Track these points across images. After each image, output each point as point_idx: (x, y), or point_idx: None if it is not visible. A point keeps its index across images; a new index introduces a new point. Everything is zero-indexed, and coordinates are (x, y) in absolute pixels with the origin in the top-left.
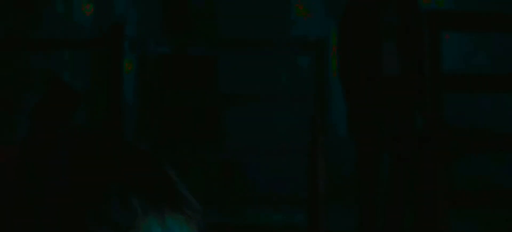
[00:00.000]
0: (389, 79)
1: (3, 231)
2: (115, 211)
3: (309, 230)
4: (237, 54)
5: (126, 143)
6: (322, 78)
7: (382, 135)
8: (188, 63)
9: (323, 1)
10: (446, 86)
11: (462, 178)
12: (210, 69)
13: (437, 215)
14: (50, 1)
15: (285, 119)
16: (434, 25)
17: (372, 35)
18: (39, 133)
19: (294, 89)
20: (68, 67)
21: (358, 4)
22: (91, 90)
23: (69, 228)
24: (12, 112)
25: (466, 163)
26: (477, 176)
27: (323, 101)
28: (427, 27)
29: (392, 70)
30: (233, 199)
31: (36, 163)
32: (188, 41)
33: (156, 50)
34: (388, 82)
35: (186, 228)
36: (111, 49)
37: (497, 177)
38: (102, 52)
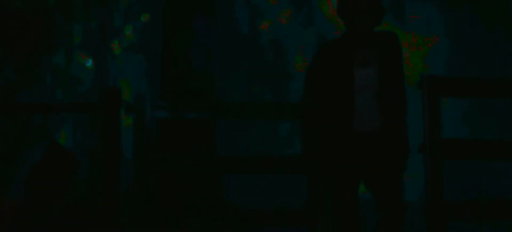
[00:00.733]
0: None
1: None
2: None
3: None
4: (235, 118)
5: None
6: None
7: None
8: (186, 126)
9: None
10: (445, 153)
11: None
12: (208, 132)
13: None
14: (50, 54)
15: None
16: (433, 90)
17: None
18: (33, 203)
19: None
20: (68, 120)
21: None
22: (91, 142)
23: None
24: (10, 165)
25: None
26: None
27: None
28: (426, 92)
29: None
30: None
31: None
32: (184, 106)
33: (152, 114)
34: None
35: None
36: (107, 114)
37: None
38: (100, 116)
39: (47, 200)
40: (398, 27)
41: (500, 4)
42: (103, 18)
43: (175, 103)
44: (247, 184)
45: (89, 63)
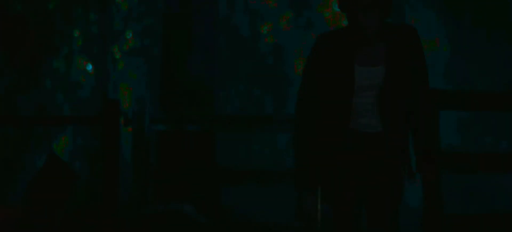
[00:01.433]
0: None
1: None
2: None
3: None
4: (235, 131)
5: None
6: None
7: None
8: (185, 138)
9: None
10: (446, 165)
11: None
12: (207, 144)
13: None
14: (51, 58)
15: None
16: (434, 104)
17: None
18: (32, 214)
19: None
20: (69, 126)
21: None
22: (92, 146)
23: None
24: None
25: None
26: None
27: None
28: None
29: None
30: None
31: None
32: (183, 118)
33: (151, 127)
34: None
35: None
36: (106, 127)
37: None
38: (98, 128)
39: (47, 212)
40: None
41: (499, 9)
42: (103, 22)
43: (173, 116)
44: (247, 193)
45: (90, 67)
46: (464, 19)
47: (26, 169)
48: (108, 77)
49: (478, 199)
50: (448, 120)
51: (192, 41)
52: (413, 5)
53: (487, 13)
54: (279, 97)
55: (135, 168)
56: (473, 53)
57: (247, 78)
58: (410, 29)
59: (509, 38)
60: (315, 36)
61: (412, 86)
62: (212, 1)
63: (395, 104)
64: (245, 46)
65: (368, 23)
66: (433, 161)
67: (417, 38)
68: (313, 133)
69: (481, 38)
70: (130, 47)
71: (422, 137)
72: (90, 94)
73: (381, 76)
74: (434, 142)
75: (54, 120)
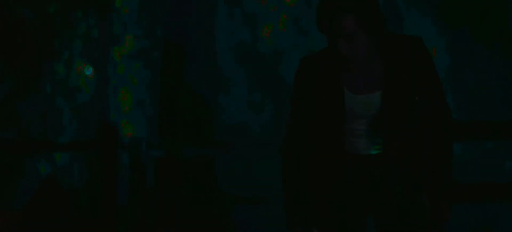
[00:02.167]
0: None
1: None
2: None
3: None
4: (234, 155)
5: None
6: None
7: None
8: (183, 164)
9: None
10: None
11: None
12: (208, 167)
13: None
14: (50, 62)
15: None
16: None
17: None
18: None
19: None
20: (67, 128)
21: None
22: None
23: None
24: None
25: None
26: None
27: None
28: None
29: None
30: None
31: None
32: (180, 144)
33: (148, 153)
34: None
35: None
36: (103, 153)
37: None
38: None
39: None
40: None
41: (498, 20)
42: (103, 26)
43: (170, 142)
44: (254, 215)
45: (90, 71)
46: (463, 29)
47: (26, 174)
48: (108, 81)
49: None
50: None
51: (191, 45)
52: (411, 14)
53: (486, 24)
54: (279, 102)
55: (130, 194)
56: (472, 63)
57: (247, 82)
58: (413, 41)
59: (508, 48)
60: (318, 39)
61: (423, 108)
62: (210, 12)
63: (396, 128)
64: (244, 50)
65: (352, 53)
66: (448, 204)
67: (424, 49)
68: (303, 169)
69: (480, 48)
70: (130, 51)
71: (437, 171)
72: (90, 98)
73: (378, 103)
74: (449, 178)
75: (52, 147)
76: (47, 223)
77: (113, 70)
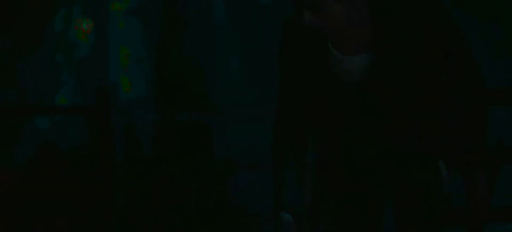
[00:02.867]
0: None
1: None
2: None
3: None
4: (228, 120)
5: None
6: None
7: None
8: (179, 129)
9: None
10: None
11: None
12: (205, 133)
13: None
14: (50, 19)
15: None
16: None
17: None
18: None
19: None
20: (68, 82)
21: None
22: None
23: None
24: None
25: None
26: None
27: None
28: None
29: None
30: None
31: None
32: (175, 108)
33: (143, 117)
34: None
35: None
36: (98, 117)
37: None
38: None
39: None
40: None
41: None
42: None
43: (165, 106)
44: (256, 183)
45: (89, 27)
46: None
47: (25, 132)
48: (106, 37)
49: None
50: None
51: (192, 5)
52: None
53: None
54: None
55: (125, 161)
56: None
57: (245, 50)
58: (424, 3)
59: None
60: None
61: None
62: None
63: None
64: (243, 15)
65: (320, 25)
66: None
67: (439, 15)
68: (294, 151)
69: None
70: (129, 7)
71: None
72: (90, 53)
73: (367, 69)
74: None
75: (47, 110)
76: (45, 182)
77: (112, 26)
